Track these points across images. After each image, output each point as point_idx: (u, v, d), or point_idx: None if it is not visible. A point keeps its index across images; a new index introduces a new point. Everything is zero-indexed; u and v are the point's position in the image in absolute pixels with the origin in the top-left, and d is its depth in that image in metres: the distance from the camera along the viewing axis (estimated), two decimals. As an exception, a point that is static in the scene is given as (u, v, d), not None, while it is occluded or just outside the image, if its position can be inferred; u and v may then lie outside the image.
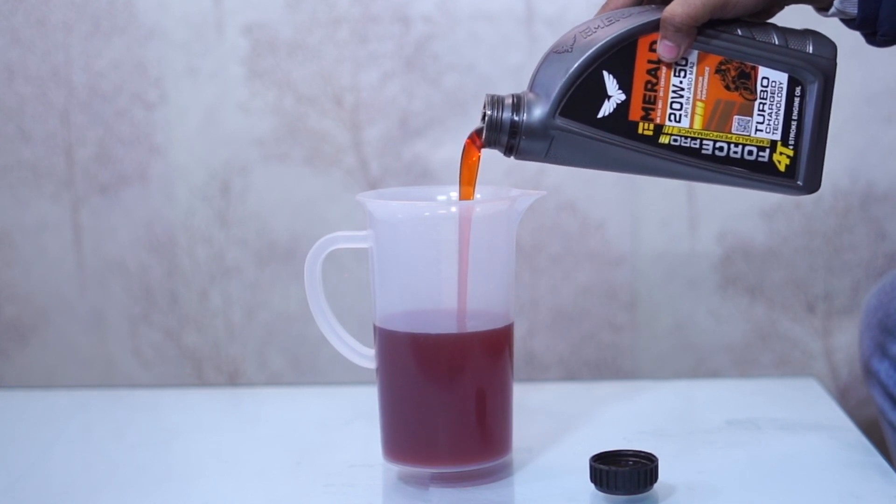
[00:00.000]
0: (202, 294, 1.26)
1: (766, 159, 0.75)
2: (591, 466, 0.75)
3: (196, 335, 1.27)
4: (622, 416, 0.93)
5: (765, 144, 0.75)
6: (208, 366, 1.27)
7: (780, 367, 1.23)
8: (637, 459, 0.75)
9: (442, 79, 1.21)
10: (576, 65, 0.73)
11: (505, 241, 0.79)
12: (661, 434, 0.88)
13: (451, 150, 1.21)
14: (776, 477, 0.79)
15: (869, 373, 1.01)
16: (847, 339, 1.21)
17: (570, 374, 1.24)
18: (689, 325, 1.23)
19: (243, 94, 1.22)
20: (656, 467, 0.75)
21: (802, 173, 0.75)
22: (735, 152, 0.75)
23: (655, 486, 0.75)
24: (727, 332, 1.23)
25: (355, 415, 0.94)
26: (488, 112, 0.75)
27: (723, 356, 1.23)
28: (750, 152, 0.75)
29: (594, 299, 1.23)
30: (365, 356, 0.81)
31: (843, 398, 1.22)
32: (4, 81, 1.24)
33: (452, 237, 0.77)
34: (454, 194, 0.83)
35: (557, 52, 0.74)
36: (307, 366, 1.26)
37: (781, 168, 0.75)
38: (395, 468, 0.81)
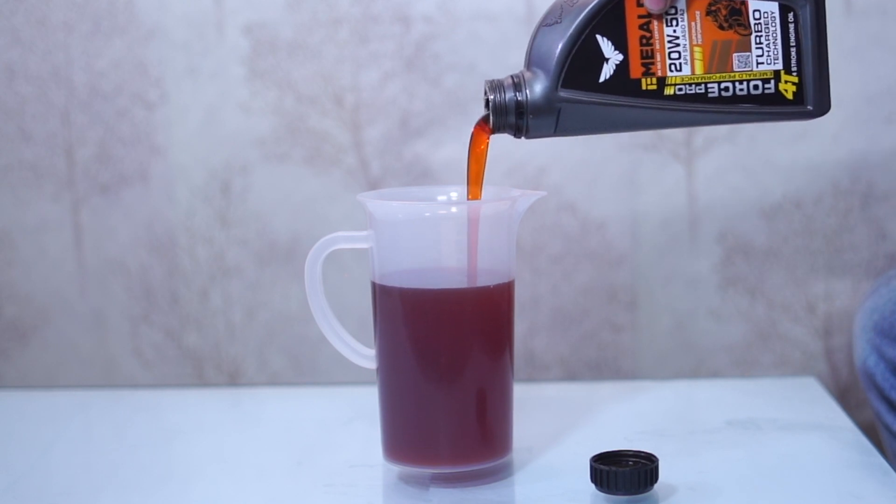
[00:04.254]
0: (202, 294, 1.26)
1: (772, 90, 0.75)
2: (591, 466, 0.75)
3: (196, 335, 1.27)
4: (622, 417, 0.93)
5: (769, 76, 0.75)
6: (209, 366, 1.27)
7: (780, 367, 1.23)
8: (637, 459, 0.75)
9: (442, 79, 1.21)
10: (568, 34, 0.74)
11: (506, 242, 0.79)
12: (661, 434, 0.88)
13: (451, 150, 1.21)
14: (776, 477, 0.79)
15: (865, 375, 1.01)
16: (847, 339, 1.21)
17: (571, 374, 1.24)
18: (689, 326, 1.23)
19: (244, 94, 1.22)
20: (657, 467, 0.75)
21: (811, 97, 0.76)
22: (741, 89, 0.75)
23: (656, 486, 0.75)
24: (727, 333, 1.23)
25: (355, 415, 0.94)
26: (491, 97, 0.75)
27: (723, 356, 1.23)
28: (756, 87, 0.75)
29: (594, 299, 1.23)
30: (365, 356, 0.81)
31: (844, 398, 1.22)
32: (5, 81, 1.24)
33: (453, 237, 0.77)
34: (455, 194, 0.83)
35: (547, 24, 0.75)
36: (307, 366, 1.26)
37: (789, 96, 0.75)
38: (396, 468, 0.81)
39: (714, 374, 1.23)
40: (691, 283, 1.22)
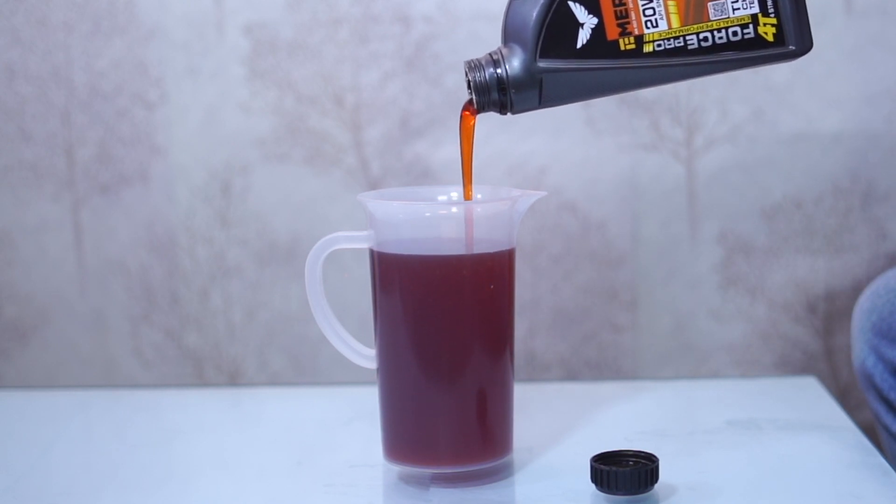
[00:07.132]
0: (203, 294, 1.26)
1: (752, 35, 0.75)
2: (591, 466, 0.75)
3: (196, 335, 1.27)
4: (623, 417, 0.93)
5: (746, 21, 0.75)
6: (209, 366, 1.27)
7: (780, 367, 1.23)
8: (638, 460, 0.75)
9: (442, 79, 1.21)
10: (540, 4, 0.74)
11: (506, 242, 0.79)
12: (661, 434, 0.88)
13: (451, 149, 1.21)
14: (777, 477, 0.79)
15: (864, 376, 1.01)
16: (848, 339, 1.21)
17: (571, 374, 1.24)
18: (689, 326, 1.23)
19: (244, 94, 1.22)
20: (657, 467, 0.75)
21: (791, 37, 0.75)
22: (720, 38, 0.75)
23: (656, 486, 0.75)
24: (728, 333, 1.23)
25: (355, 415, 0.94)
26: (471, 77, 0.75)
27: (723, 356, 1.23)
28: (735, 33, 0.75)
29: (595, 299, 1.23)
30: (365, 356, 0.81)
31: (844, 398, 1.22)
32: (5, 81, 1.24)
33: (453, 237, 0.77)
34: (455, 194, 0.84)
35: None
36: (307, 366, 1.26)
37: (770, 38, 0.75)
38: (396, 468, 0.81)
39: (714, 374, 1.23)
40: (691, 283, 1.22)
